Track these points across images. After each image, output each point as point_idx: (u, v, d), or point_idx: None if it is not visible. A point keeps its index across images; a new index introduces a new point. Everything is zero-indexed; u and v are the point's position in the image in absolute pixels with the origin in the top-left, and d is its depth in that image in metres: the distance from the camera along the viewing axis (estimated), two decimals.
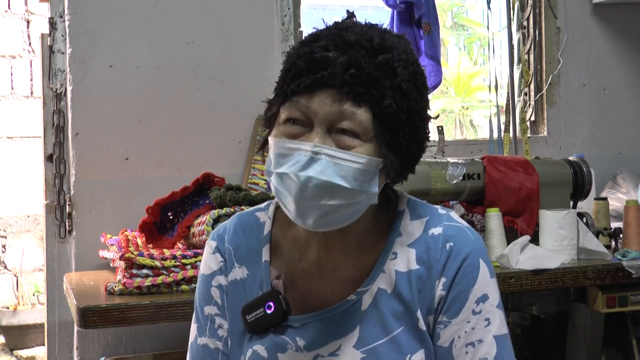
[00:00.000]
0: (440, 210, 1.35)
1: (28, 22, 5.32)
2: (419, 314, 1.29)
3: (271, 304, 1.31)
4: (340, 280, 1.33)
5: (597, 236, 2.51)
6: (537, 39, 3.35)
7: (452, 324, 1.28)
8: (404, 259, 1.31)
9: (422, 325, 1.29)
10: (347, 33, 1.23)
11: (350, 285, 1.32)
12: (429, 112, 1.31)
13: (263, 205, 1.44)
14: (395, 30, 2.91)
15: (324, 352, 1.30)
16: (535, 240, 2.45)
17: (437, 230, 1.31)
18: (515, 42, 3.30)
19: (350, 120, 1.21)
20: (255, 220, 1.41)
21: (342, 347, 1.30)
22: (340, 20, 1.29)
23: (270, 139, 1.27)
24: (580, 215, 2.53)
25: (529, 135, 3.20)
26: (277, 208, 1.38)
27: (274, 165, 1.25)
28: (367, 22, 1.29)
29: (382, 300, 1.30)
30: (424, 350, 1.29)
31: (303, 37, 1.29)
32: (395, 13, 2.92)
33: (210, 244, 1.42)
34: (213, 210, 2.24)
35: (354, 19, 1.30)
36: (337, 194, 1.21)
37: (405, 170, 1.30)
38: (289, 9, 2.94)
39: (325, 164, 1.21)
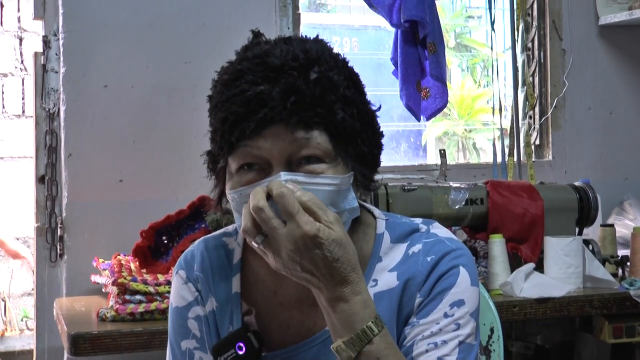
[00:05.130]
0: (422, 225, 1.32)
1: (21, 40, 5.34)
2: (395, 329, 1.26)
3: (242, 344, 1.26)
4: (320, 312, 1.26)
5: (603, 264, 2.51)
6: (542, 61, 3.37)
7: (419, 324, 1.24)
8: (383, 282, 1.28)
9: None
10: (269, 58, 1.18)
11: None
12: (371, 105, 1.27)
13: (231, 229, 1.38)
14: (399, 50, 2.93)
15: None
16: (539, 267, 2.46)
17: (416, 248, 1.28)
18: (519, 64, 3.32)
19: (308, 147, 1.17)
20: (223, 246, 1.36)
21: None
22: (249, 44, 1.24)
23: (230, 193, 1.22)
24: (586, 242, 2.53)
25: (533, 159, 3.21)
26: None
27: None
28: (277, 37, 1.26)
29: None
30: None
31: (220, 76, 1.23)
32: (399, 32, 2.93)
33: (180, 274, 1.36)
34: None
35: (263, 37, 1.26)
36: None
37: (373, 175, 1.28)
38: (288, 28, 2.97)
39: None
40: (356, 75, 1.26)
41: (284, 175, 1.16)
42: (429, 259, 1.27)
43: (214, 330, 1.33)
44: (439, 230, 1.32)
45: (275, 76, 1.17)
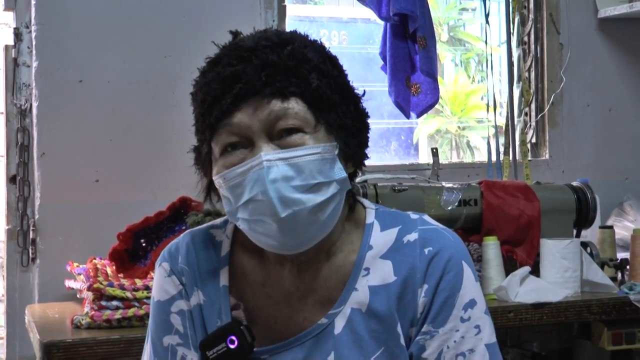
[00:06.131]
0: (413, 215, 1.36)
1: None
2: (399, 328, 1.29)
3: (233, 337, 1.29)
4: (311, 306, 1.32)
5: (602, 267, 2.53)
6: (538, 55, 3.38)
7: (439, 334, 1.28)
8: (377, 273, 1.31)
9: (403, 341, 1.29)
10: (243, 42, 1.27)
11: (323, 309, 1.32)
12: (354, 88, 1.32)
13: (219, 222, 1.41)
14: (388, 44, 2.93)
15: None
16: (535, 271, 2.47)
17: (412, 237, 1.32)
18: (515, 59, 3.33)
19: (286, 117, 1.23)
20: (210, 239, 1.39)
21: None
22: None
23: (216, 178, 1.27)
24: (584, 244, 2.55)
25: (529, 158, 3.22)
26: (237, 227, 1.33)
27: (234, 200, 1.25)
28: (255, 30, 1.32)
29: (357, 322, 1.30)
30: None
31: (200, 71, 1.30)
32: (388, 26, 2.94)
33: (163, 267, 1.38)
34: None
35: (241, 35, 1.32)
36: (310, 193, 1.22)
37: (361, 150, 1.33)
38: (273, 21, 2.97)
39: (283, 170, 1.21)
40: (334, 57, 1.31)
41: (264, 156, 1.21)
42: (426, 251, 1.31)
43: (200, 325, 1.35)
44: (431, 220, 1.36)
45: (249, 55, 1.24)
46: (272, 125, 1.23)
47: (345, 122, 1.27)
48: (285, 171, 1.21)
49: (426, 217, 1.36)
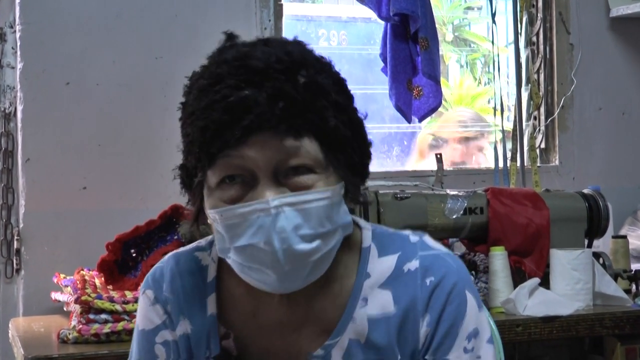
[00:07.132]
0: (412, 237, 1.33)
1: None
2: None
3: None
4: (306, 336, 1.30)
5: (615, 279, 2.52)
6: (547, 56, 3.38)
7: None
8: (376, 303, 1.29)
9: None
10: (251, 61, 1.18)
11: (319, 339, 1.29)
12: (358, 112, 1.28)
13: (204, 242, 1.37)
14: (388, 46, 2.93)
15: None
16: (545, 283, 2.47)
17: (412, 265, 1.29)
18: (523, 60, 3.33)
19: (297, 156, 1.17)
20: (195, 263, 1.35)
21: None
22: (224, 47, 1.23)
23: (211, 212, 1.21)
24: (596, 255, 2.54)
25: (538, 164, 3.22)
26: None
27: (229, 240, 1.20)
28: (252, 39, 1.24)
29: (355, 354, 1.28)
30: None
31: (195, 80, 1.22)
32: (388, 26, 2.95)
33: (147, 294, 1.35)
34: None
35: (238, 39, 1.24)
36: (315, 243, 1.19)
37: (362, 185, 1.30)
38: (269, 20, 2.97)
39: (291, 216, 1.16)
40: (343, 80, 1.26)
41: (272, 202, 1.16)
42: (427, 281, 1.28)
43: (187, 356, 1.33)
44: (432, 242, 1.34)
45: (260, 80, 1.16)
46: (280, 164, 1.17)
47: (354, 161, 1.24)
48: (293, 218, 1.16)
49: (426, 240, 1.33)
